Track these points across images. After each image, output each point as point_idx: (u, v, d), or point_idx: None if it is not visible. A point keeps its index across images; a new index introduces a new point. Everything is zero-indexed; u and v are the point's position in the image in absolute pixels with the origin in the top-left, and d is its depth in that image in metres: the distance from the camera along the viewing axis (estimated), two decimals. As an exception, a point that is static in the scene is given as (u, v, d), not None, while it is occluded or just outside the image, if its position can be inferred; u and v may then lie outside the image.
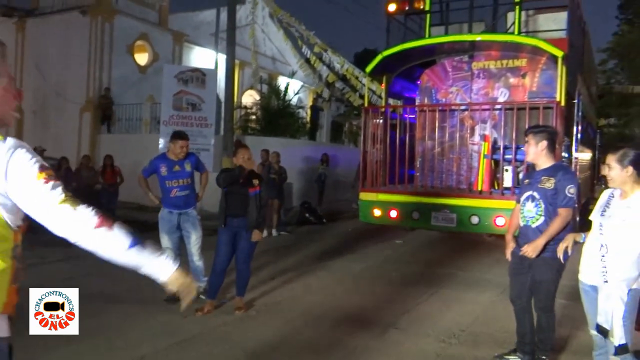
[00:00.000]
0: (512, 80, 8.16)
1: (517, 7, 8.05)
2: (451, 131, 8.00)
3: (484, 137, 7.86)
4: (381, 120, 8.23)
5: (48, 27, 16.36)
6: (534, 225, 3.56)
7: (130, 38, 16.45)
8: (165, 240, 5.26)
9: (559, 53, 6.96)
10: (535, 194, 3.56)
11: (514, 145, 7.06)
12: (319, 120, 17.30)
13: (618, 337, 2.76)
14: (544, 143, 3.57)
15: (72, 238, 1.53)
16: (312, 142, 16.09)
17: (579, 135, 8.51)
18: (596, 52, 17.53)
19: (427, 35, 8.81)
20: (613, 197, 3.03)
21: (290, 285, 6.02)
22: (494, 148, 7.69)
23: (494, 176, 7.65)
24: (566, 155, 7.97)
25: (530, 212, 3.58)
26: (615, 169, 2.94)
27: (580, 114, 8.45)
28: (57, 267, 6.23)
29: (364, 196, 7.85)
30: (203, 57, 18.44)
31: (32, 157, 1.50)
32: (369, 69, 8.40)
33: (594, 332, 3.04)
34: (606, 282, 2.85)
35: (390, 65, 8.44)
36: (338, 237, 9.86)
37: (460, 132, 7.94)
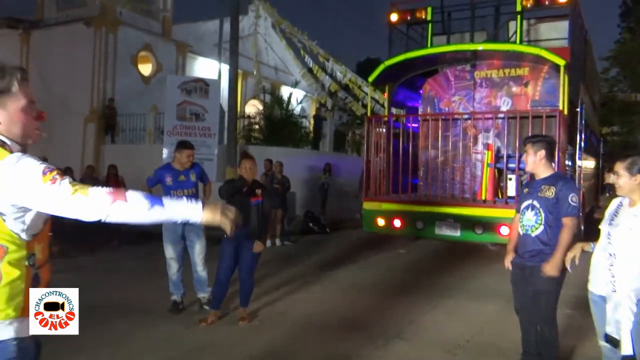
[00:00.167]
0: (515, 89, 8.18)
1: (519, 16, 8.08)
2: (454, 140, 8.01)
3: (487, 146, 7.87)
4: (384, 130, 8.25)
5: (52, 38, 16.50)
6: (533, 234, 3.56)
7: (134, 49, 16.57)
8: (169, 251, 5.26)
9: (561, 62, 6.97)
10: (536, 203, 3.56)
11: (517, 154, 7.05)
12: (322, 130, 17.34)
13: (625, 347, 2.73)
14: (543, 152, 3.59)
15: (96, 219, 1.61)
16: (315, 152, 16.11)
17: (582, 144, 8.50)
18: (598, 60, 17.57)
19: (429, 45, 8.85)
20: (622, 205, 3.01)
21: (294, 296, 6.01)
22: (497, 157, 7.69)
23: (498, 185, 7.65)
24: (570, 163, 7.97)
25: (530, 220, 3.58)
26: (623, 177, 2.93)
27: (583, 122, 8.45)
28: (61, 278, 6.24)
29: (368, 205, 7.85)
30: (206, 68, 18.55)
31: (35, 164, 1.58)
32: (371, 78, 8.43)
33: (603, 343, 3.00)
34: (614, 291, 2.82)
35: (392, 75, 8.48)
36: (342, 246, 9.84)
37: (463, 141, 7.95)
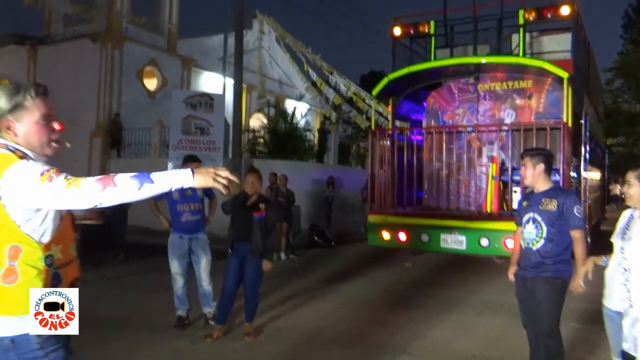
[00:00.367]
0: (518, 101, 8.19)
1: (521, 29, 8.12)
2: (458, 153, 8.01)
3: (491, 159, 7.86)
4: (388, 142, 8.26)
5: (59, 54, 16.67)
6: (534, 248, 3.54)
7: (139, 64, 16.73)
8: (174, 265, 5.26)
9: (564, 74, 6.99)
10: (537, 216, 3.54)
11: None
12: (327, 143, 17.39)
13: None
14: (542, 166, 3.58)
15: (91, 206, 1.71)
16: (320, 165, 16.14)
17: (587, 156, 8.49)
18: (602, 71, 17.59)
19: (432, 58, 8.88)
20: (633, 218, 2.97)
21: (299, 310, 5.98)
22: (502, 169, 7.68)
23: (503, 197, 7.63)
24: (575, 175, 7.94)
25: (531, 234, 3.57)
26: (635, 187, 2.89)
27: (587, 134, 8.44)
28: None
29: (373, 219, 7.82)
30: (211, 82, 18.69)
31: (36, 167, 1.72)
32: (375, 92, 8.46)
33: None
34: (631, 307, 2.78)
35: (396, 88, 8.51)
36: (347, 260, 9.82)
37: (467, 154, 7.95)
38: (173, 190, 1.85)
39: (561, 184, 6.60)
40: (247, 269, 4.83)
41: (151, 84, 17.36)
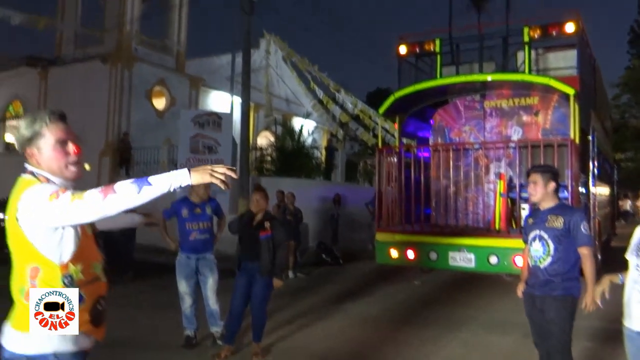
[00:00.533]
0: (525, 118, 8.20)
1: (527, 46, 8.16)
2: (466, 170, 8.01)
3: (499, 176, 7.85)
4: (395, 160, 8.27)
5: (70, 75, 16.94)
6: (542, 266, 3.51)
7: (148, 84, 16.95)
8: (182, 285, 5.27)
9: (570, 91, 7.00)
10: (543, 234, 3.51)
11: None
12: (334, 160, 17.43)
13: None
14: (553, 184, 3.56)
15: (96, 217, 1.77)
16: (328, 182, 16.15)
17: (595, 171, 8.45)
18: (609, 87, 17.58)
19: (438, 76, 8.92)
20: None
21: (307, 329, 5.95)
22: (510, 186, 7.65)
23: (511, 215, 7.59)
24: (584, 191, 7.90)
25: (538, 251, 3.54)
26: None
27: (595, 150, 8.41)
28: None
29: (380, 237, 7.79)
30: (219, 100, 18.87)
31: (47, 188, 1.80)
32: (382, 110, 8.50)
33: None
34: None
35: (402, 106, 8.54)
36: (355, 278, 9.76)
37: (475, 171, 7.94)
38: (172, 190, 1.85)
39: (570, 200, 6.57)
40: (255, 288, 4.82)
41: (160, 103, 17.57)
